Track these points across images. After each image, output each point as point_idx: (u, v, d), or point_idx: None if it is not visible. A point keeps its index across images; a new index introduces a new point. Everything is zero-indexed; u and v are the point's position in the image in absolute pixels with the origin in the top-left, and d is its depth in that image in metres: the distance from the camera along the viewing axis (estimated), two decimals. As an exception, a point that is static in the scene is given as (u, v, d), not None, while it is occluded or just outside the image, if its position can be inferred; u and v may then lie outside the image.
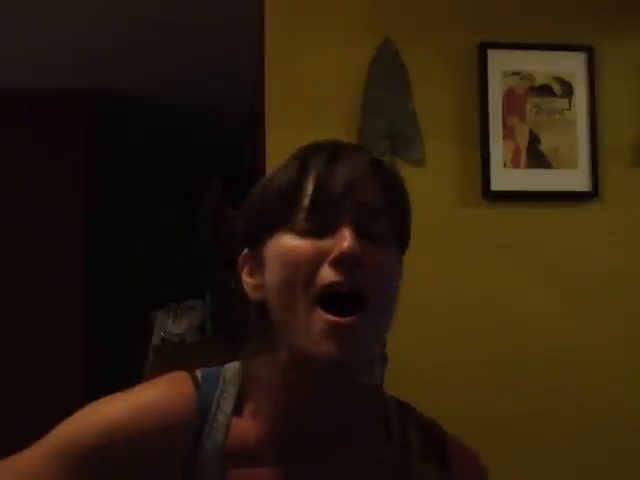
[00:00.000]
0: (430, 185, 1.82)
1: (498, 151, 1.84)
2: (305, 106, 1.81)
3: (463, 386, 1.79)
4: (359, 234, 0.71)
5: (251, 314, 0.78)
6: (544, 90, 1.88)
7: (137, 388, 0.78)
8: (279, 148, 1.76)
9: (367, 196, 0.74)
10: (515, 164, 1.85)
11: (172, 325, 2.77)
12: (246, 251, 0.79)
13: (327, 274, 0.70)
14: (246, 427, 0.76)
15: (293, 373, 0.75)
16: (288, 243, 0.72)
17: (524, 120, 1.86)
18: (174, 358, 2.57)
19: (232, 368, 0.81)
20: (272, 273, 0.74)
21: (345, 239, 0.70)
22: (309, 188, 0.73)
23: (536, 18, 1.90)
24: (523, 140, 1.86)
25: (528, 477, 1.78)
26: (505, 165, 1.84)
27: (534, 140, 1.86)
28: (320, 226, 0.72)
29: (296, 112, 1.81)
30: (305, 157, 0.76)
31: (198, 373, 0.80)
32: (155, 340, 2.79)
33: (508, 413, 1.79)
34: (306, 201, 0.73)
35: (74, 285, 3.33)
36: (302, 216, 0.72)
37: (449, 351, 1.80)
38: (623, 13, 1.92)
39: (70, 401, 0.83)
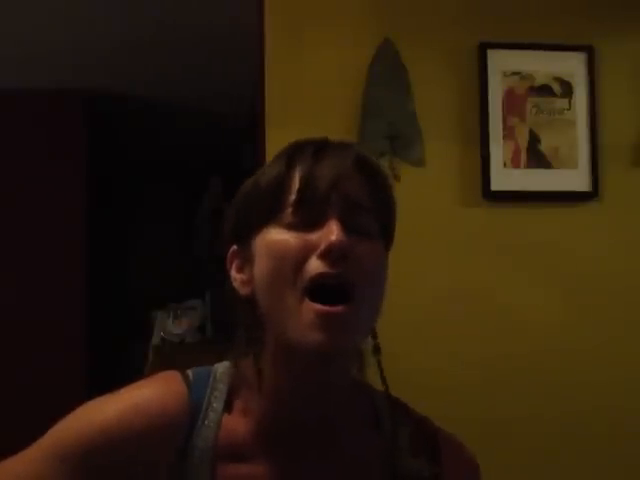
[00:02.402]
0: (430, 185, 1.82)
1: (498, 151, 1.84)
2: (305, 106, 1.81)
3: (462, 386, 1.78)
4: (346, 228, 0.72)
5: (239, 310, 0.79)
6: (544, 90, 1.88)
7: (129, 387, 0.78)
8: (279, 148, 1.75)
9: (353, 191, 0.75)
10: (515, 164, 1.85)
11: (172, 325, 2.77)
12: (234, 247, 0.80)
13: (315, 266, 0.71)
14: (237, 424, 0.77)
15: (282, 367, 0.76)
16: (276, 236, 0.74)
17: (524, 120, 1.86)
18: (174, 358, 2.58)
19: (222, 367, 0.81)
20: (260, 267, 0.75)
21: (333, 232, 0.71)
22: (295, 183, 0.74)
23: (536, 18, 1.90)
24: (523, 140, 1.86)
25: (528, 478, 1.78)
26: (505, 165, 1.84)
27: (534, 140, 1.86)
28: (307, 220, 0.73)
29: (296, 112, 1.80)
30: (291, 154, 0.77)
31: (189, 372, 0.80)
32: (155, 340, 2.79)
33: (507, 413, 1.79)
34: (293, 196, 0.74)
35: (74, 285, 3.33)
36: (289, 211, 0.74)
37: (448, 351, 1.80)
38: (623, 13, 1.92)
39: (70, 401, 0.83)
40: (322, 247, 0.71)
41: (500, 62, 1.86)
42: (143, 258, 4.51)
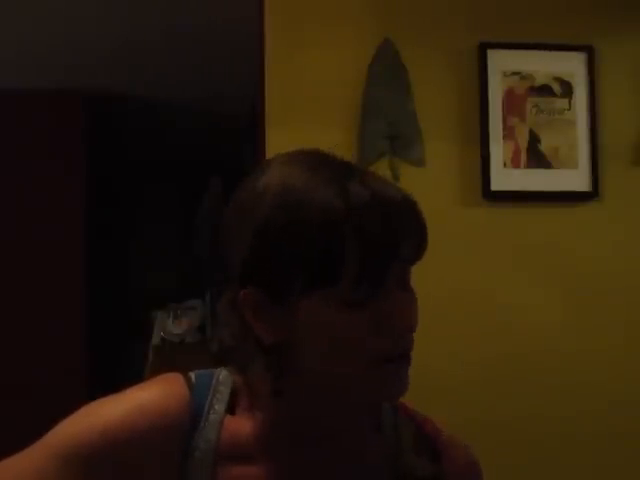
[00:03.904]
0: (430, 185, 1.82)
1: (498, 151, 1.84)
2: (305, 106, 1.81)
3: (461, 387, 1.79)
4: (402, 289, 0.72)
5: (263, 357, 0.76)
6: (544, 90, 1.88)
7: (131, 389, 0.78)
8: (279, 148, 1.75)
9: (410, 251, 0.73)
10: (515, 164, 1.85)
11: (172, 325, 2.77)
12: (258, 291, 0.71)
13: (384, 344, 0.70)
14: (239, 426, 0.77)
15: (299, 392, 0.75)
16: (338, 318, 0.69)
17: (524, 120, 1.86)
18: (174, 358, 2.58)
19: (225, 370, 0.81)
20: (315, 342, 0.71)
21: (406, 315, 0.71)
22: (356, 251, 0.67)
23: (536, 18, 1.90)
24: (523, 140, 1.86)
25: (528, 478, 1.78)
26: (505, 165, 1.84)
27: (534, 140, 1.86)
28: (368, 293, 0.69)
29: (296, 112, 1.81)
30: (351, 207, 0.68)
31: (192, 375, 0.80)
32: (155, 340, 2.79)
33: (507, 414, 1.79)
34: (358, 266, 0.68)
35: (74, 285, 3.33)
36: (348, 283, 0.68)
37: (448, 351, 1.80)
38: (623, 13, 1.92)
39: (70, 401, 0.83)
40: (396, 329, 0.70)
41: (500, 62, 1.86)
42: (143, 258, 4.52)
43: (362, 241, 0.68)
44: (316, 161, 0.73)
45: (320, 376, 0.73)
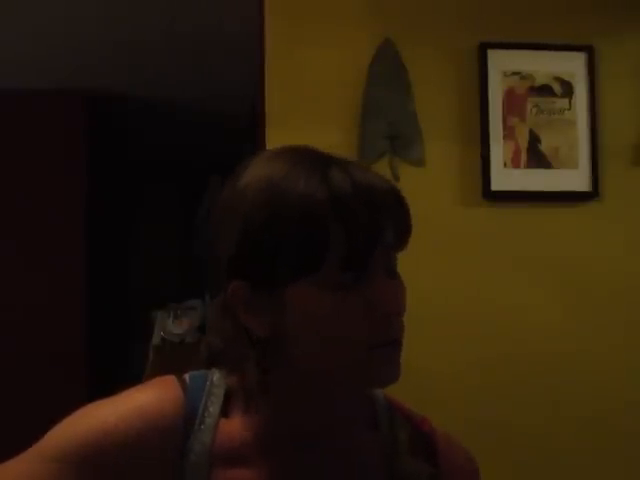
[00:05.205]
0: (430, 185, 1.82)
1: (498, 151, 1.84)
2: (305, 106, 1.81)
3: (459, 387, 1.78)
4: (388, 274, 0.72)
5: (252, 348, 0.76)
6: (544, 90, 1.88)
7: (127, 392, 0.78)
8: (279, 148, 1.76)
9: (394, 237, 0.73)
10: (515, 164, 1.85)
11: (172, 325, 2.77)
12: (246, 285, 0.72)
13: (372, 330, 0.71)
14: (234, 428, 0.77)
15: (294, 390, 0.76)
16: (325, 302, 0.70)
17: (524, 120, 1.86)
18: (174, 358, 2.58)
19: (219, 371, 0.81)
20: (305, 330, 0.72)
21: (392, 300, 0.71)
22: (341, 236, 0.68)
23: (536, 18, 1.90)
24: (523, 140, 1.86)
25: (527, 479, 1.78)
26: (505, 165, 1.84)
27: (534, 140, 1.86)
28: (354, 277, 0.70)
29: (296, 112, 1.81)
30: (333, 194, 0.69)
31: (186, 376, 0.80)
32: (155, 340, 2.79)
33: (507, 414, 1.79)
34: (342, 251, 0.68)
35: (74, 285, 3.33)
36: (334, 268, 0.69)
37: (447, 352, 1.80)
38: (623, 13, 1.92)
39: (70, 401, 0.83)
40: (383, 314, 0.70)
41: (500, 62, 1.86)
42: (143, 258, 4.52)
43: (346, 226, 0.68)
44: (297, 155, 0.74)
45: (312, 366, 0.73)
